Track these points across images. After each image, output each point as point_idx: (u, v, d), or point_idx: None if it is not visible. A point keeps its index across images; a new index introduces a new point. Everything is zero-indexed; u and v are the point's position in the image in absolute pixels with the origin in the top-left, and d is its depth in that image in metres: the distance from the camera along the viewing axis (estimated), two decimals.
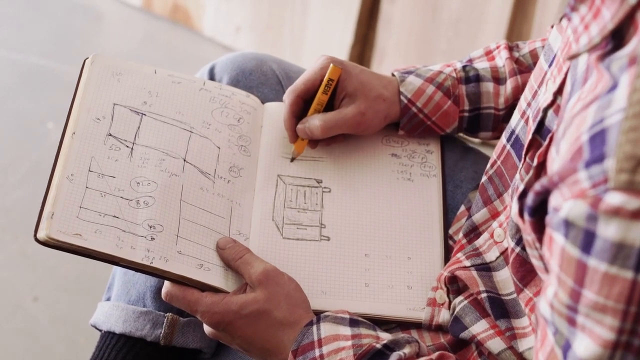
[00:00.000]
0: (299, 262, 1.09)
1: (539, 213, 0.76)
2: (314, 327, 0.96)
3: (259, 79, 1.24)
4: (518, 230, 0.90)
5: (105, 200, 1.02)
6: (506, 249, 1.01)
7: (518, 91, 1.14)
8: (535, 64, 1.15)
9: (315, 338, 0.96)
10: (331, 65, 1.13)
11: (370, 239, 1.12)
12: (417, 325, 1.08)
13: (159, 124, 1.11)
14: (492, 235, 1.05)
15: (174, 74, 1.17)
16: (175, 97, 1.14)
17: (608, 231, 0.64)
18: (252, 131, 1.17)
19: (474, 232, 1.08)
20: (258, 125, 1.19)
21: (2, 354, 1.79)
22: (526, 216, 0.78)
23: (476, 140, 1.51)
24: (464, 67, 1.18)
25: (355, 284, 1.09)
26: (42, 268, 1.92)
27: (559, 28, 0.94)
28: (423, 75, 1.17)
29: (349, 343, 0.95)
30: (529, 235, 0.80)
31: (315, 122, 1.13)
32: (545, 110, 0.89)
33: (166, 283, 1.01)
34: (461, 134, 1.23)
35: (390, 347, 0.94)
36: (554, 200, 0.70)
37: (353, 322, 0.98)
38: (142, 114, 1.11)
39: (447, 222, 1.16)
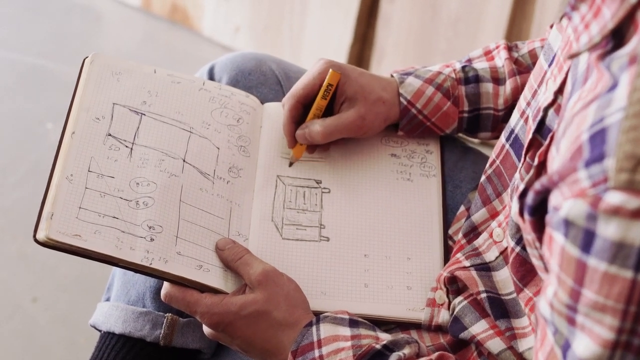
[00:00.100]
0: (298, 263, 1.09)
1: (539, 212, 0.76)
2: (314, 328, 0.96)
3: (258, 79, 1.24)
4: (518, 229, 0.90)
5: (105, 200, 1.01)
6: (505, 248, 1.01)
7: (517, 92, 1.14)
8: (534, 64, 1.15)
9: (315, 339, 0.95)
10: (330, 70, 1.12)
11: (370, 239, 1.12)
12: (416, 326, 1.08)
13: (159, 124, 1.10)
14: (491, 235, 1.05)
15: (173, 74, 1.16)
16: (174, 97, 1.14)
17: (608, 230, 0.64)
18: (252, 131, 1.17)
19: (473, 232, 1.08)
20: (257, 126, 1.19)
21: (1, 354, 1.79)
22: (526, 215, 0.78)
23: (475, 140, 1.51)
24: (463, 67, 1.17)
25: (355, 284, 1.09)
26: (41, 268, 1.92)
27: (558, 27, 0.94)
28: (422, 76, 1.17)
29: (349, 344, 0.95)
30: (529, 235, 0.80)
31: (315, 127, 1.13)
32: (546, 109, 0.89)
33: (165, 284, 1.01)
34: (461, 134, 1.23)
35: (389, 348, 0.94)
36: (553, 200, 0.70)
37: (352, 323, 0.98)
38: (142, 113, 1.11)
39: (447, 223, 1.16)
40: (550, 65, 0.94)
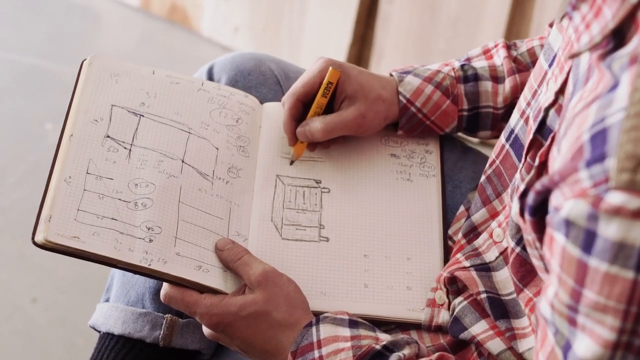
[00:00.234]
0: (298, 263, 1.08)
1: (539, 213, 0.76)
2: (313, 329, 0.96)
3: (258, 79, 1.24)
4: (518, 230, 0.90)
5: (103, 202, 1.01)
6: (505, 249, 1.01)
7: (517, 90, 1.14)
8: (533, 62, 1.15)
9: (315, 339, 0.95)
10: (330, 68, 1.12)
11: (370, 239, 1.12)
12: (416, 326, 1.08)
13: (157, 125, 1.10)
14: (491, 235, 1.05)
15: (172, 75, 1.16)
16: (173, 97, 1.14)
17: (609, 231, 0.64)
18: (251, 132, 1.17)
19: (473, 233, 1.08)
20: (257, 126, 1.18)
21: (1, 355, 1.79)
22: (527, 216, 0.77)
23: (475, 140, 1.51)
24: (462, 66, 1.17)
25: (355, 284, 1.08)
26: (40, 269, 1.92)
27: (559, 27, 0.94)
28: (421, 74, 1.17)
29: (349, 344, 0.94)
30: (529, 235, 0.80)
31: (315, 125, 1.13)
32: (547, 109, 0.88)
33: (165, 285, 1.01)
34: (460, 134, 1.23)
35: (389, 348, 0.93)
36: (554, 200, 0.70)
37: (352, 323, 0.98)
38: (140, 115, 1.10)
39: (447, 223, 1.16)
40: (550, 65, 0.94)
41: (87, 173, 1.03)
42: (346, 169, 1.18)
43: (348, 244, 1.11)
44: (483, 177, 1.08)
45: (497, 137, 1.14)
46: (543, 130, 0.90)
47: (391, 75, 1.18)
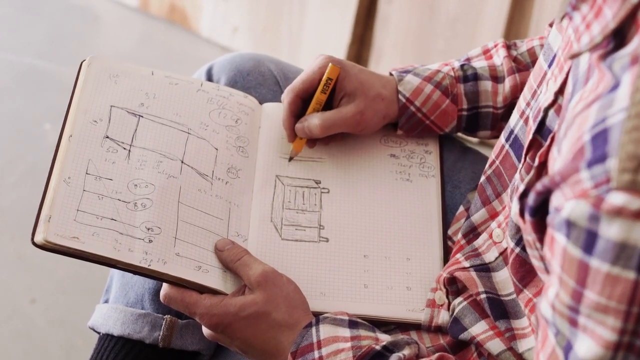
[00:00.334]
0: (297, 264, 1.08)
1: (540, 213, 0.76)
2: (313, 329, 0.96)
3: (257, 80, 1.24)
4: (518, 230, 0.90)
5: (103, 202, 1.01)
6: (505, 249, 1.01)
7: (516, 89, 1.14)
8: (533, 62, 1.15)
9: (315, 340, 0.95)
10: (330, 64, 1.12)
11: (369, 240, 1.12)
12: (416, 327, 1.08)
13: (157, 126, 1.10)
14: (490, 236, 1.04)
15: (171, 75, 1.16)
16: (172, 98, 1.14)
17: (610, 231, 0.64)
18: (250, 132, 1.17)
19: (472, 233, 1.08)
20: (256, 126, 1.18)
21: (0, 356, 1.78)
22: (527, 216, 0.77)
23: (474, 140, 1.51)
24: (462, 66, 1.18)
25: (354, 285, 1.08)
26: (39, 270, 1.92)
27: (558, 27, 0.94)
28: (421, 74, 1.17)
29: (348, 344, 0.94)
30: (529, 236, 0.80)
31: (314, 121, 1.13)
32: (546, 110, 0.88)
33: (164, 285, 1.01)
34: (460, 134, 1.23)
35: (389, 349, 0.93)
36: (555, 200, 0.69)
37: (352, 324, 0.98)
38: (140, 115, 1.10)
39: (446, 223, 1.16)
40: (550, 65, 0.94)
41: (86, 173, 1.03)
42: (346, 169, 1.18)
43: (348, 244, 1.11)
44: (483, 178, 1.08)
45: (497, 137, 1.14)
46: (542, 130, 0.90)
47: (391, 74, 1.19)
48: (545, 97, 0.90)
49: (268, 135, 1.18)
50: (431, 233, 1.14)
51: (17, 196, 2.06)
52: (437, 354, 0.95)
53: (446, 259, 1.12)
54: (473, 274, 1.03)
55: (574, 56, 0.75)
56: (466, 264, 1.05)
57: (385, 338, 0.96)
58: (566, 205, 0.67)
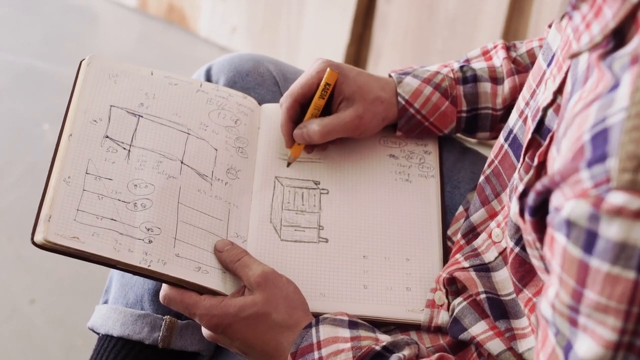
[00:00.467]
0: (297, 264, 1.08)
1: (539, 213, 0.76)
2: (313, 330, 0.96)
3: (256, 80, 1.23)
4: (517, 230, 0.90)
5: (103, 202, 1.01)
6: (504, 249, 1.01)
7: (516, 91, 1.14)
8: (532, 63, 1.15)
9: (314, 340, 0.95)
10: (328, 69, 1.12)
11: (369, 240, 1.12)
12: (416, 327, 1.08)
13: (156, 126, 1.10)
14: (490, 236, 1.04)
15: (170, 76, 1.16)
16: (172, 98, 1.14)
17: (610, 231, 0.64)
18: (250, 133, 1.17)
19: (472, 233, 1.08)
20: (255, 127, 1.18)
21: None
22: (527, 216, 0.77)
23: (473, 140, 1.51)
24: (461, 67, 1.17)
25: (354, 286, 1.08)
26: (38, 270, 1.92)
27: (557, 27, 0.94)
28: (420, 76, 1.17)
29: (348, 345, 0.94)
30: (529, 236, 0.80)
31: (313, 127, 1.13)
32: (545, 109, 0.88)
33: (164, 286, 1.01)
34: (459, 135, 1.23)
35: (389, 349, 0.93)
36: (555, 200, 0.69)
37: (352, 324, 0.98)
38: (139, 115, 1.10)
39: (446, 223, 1.16)
40: (549, 65, 0.94)
41: (86, 173, 1.02)
42: (345, 170, 1.18)
43: (347, 245, 1.11)
44: (482, 178, 1.08)
45: (496, 138, 1.13)
46: (541, 130, 0.90)
47: (390, 76, 1.18)
48: (544, 96, 0.90)
49: (267, 136, 1.18)
50: (431, 233, 1.14)
51: (16, 196, 2.06)
52: (437, 354, 0.95)
53: (446, 259, 1.12)
54: (472, 274, 1.03)
55: (574, 56, 0.75)
56: (466, 264, 1.05)
57: (385, 338, 0.96)
58: (566, 205, 0.67)
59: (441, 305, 1.07)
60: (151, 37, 2.56)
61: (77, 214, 0.99)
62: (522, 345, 0.97)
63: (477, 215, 1.08)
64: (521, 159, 0.92)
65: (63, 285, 1.90)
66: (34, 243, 0.97)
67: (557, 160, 0.74)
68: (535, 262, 0.85)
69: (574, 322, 0.69)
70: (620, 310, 0.65)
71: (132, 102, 1.11)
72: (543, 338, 0.75)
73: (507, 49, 1.18)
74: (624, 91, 0.66)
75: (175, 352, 1.11)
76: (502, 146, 1.04)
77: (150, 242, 1.00)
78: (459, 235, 1.10)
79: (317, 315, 0.99)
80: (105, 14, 2.61)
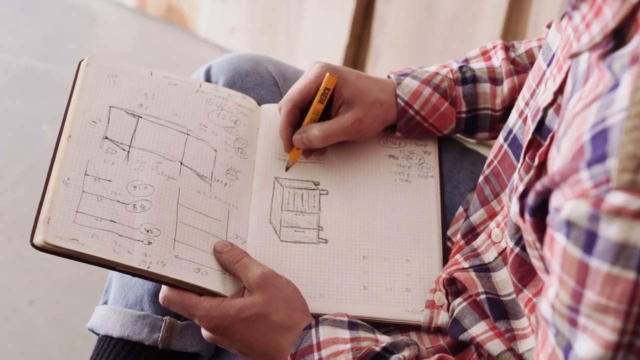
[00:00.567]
0: (296, 265, 1.08)
1: (539, 213, 0.76)
2: (313, 331, 0.96)
3: (255, 81, 1.23)
4: (517, 230, 0.90)
5: (102, 204, 1.01)
6: (504, 249, 1.01)
7: (515, 92, 1.14)
8: (531, 64, 1.15)
9: (314, 341, 0.95)
10: (327, 74, 1.12)
11: (368, 241, 1.12)
12: (416, 328, 1.07)
13: (156, 127, 1.10)
14: (489, 236, 1.04)
15: (170, 76, 1.16)
16: (171, 99, 1.13)
17: (610, 231, 0.64)
18: (249, 133, 1.17)
19: (471, 233, 1.08)
20: (255, 128, 1.18)
21: None
22: (527, 216, 0.77)
23: (473, 140, 1.51)
24: (460, 67, 1.17)
25: (354, 286, 1.08)
26: (37, 271, 1.92)
27: (557, 27, 0.94)
28: (419, 77, 1.16)
29: (348, 346, 0.94)
30: (529, 236, 0.80)
31: (314, 132, 1.12)
32: (546, 109, 0.88)
33: (164, 287, 1.01)
34: (458, 135, 1.22)
35: (389, 350, 0.93)
36: (555, 200, 0.69)
37: (352, 325, 0.98)
38: (139, 116, 1.10)
39: (445, 224, 1.16)
40: (549, 65, 0.94)
41: (85, 175, 1.02)
42: (344, 170, 1.17)
43: (347, 245, 1.11)
44: (481, 178, 1.08)
45: (495, 138, 1.13)
46: (542, 130, 0.89)
47: (389, 77, 1.18)
48: (545, 96, 0.90)
49: (267, 137, 1.18)
50: (430, 234, 1.14)
51: (16, 197, 2.06)
52: (437, 355, 0.94)
53: (445, 259, 1.12)
54: (472, 274, 1.03)
55: (574, 56, 0.75)
56: (465, 264, 1.05)
57: (385, 339, 0.96)
58: (566, 205, 0.67)
59: (441, 306, 1.06)
60: (150, 37, 2.56)
61: (77, 216, 0.99)
62: (522, 346, 0.97)
63: (477, 216, 1.07)
64: (521, 159, 0.91)
65: (63, 286, 1.90)
66: (33, 245, 0.96)
67: (557, 161, 0.74)
68: (535, 263, 0.85)
69: (573, 323, 0.69)
70: (620, 311, 0.65)
71: (132, 102, 1.11)
72: (543, 338, 0.75)
73: (506, 49, 1.17)
74: (624, 91, 0.66)
75: (175, 353, 1.11)
76: (501, 146, 1.04)
77: (149, 243, 1.00)
78: (458, 236, 1.09)
79: (316, 316, 0.99)
80: (104, 15, 2.61)
